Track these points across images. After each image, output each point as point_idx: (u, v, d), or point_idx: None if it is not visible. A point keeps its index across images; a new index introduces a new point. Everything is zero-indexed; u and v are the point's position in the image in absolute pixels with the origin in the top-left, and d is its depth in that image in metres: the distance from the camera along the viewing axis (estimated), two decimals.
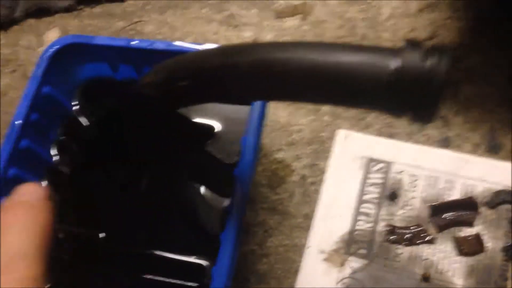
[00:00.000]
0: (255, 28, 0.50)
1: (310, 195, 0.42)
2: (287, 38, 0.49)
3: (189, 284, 0.33)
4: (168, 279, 0.34)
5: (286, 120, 0.45)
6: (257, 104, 0.34)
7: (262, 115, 0.34)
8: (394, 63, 0.20)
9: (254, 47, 0.24)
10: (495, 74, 0.44)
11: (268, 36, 0.50)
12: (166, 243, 0.35)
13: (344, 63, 0.21)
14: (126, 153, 0.40)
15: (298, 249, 0.40)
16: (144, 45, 0.38)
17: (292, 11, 0.50)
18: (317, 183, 0.43)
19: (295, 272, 0.39)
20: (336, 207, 0.41)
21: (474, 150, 0.42)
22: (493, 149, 0.41)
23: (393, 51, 0.20)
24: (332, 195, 0.41)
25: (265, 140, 0.45)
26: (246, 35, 0.50)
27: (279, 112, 0.46)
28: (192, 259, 0.34)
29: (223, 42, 0.50)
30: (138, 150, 0.39)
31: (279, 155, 0.44)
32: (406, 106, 0.21)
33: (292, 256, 0.41)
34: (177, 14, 0.53)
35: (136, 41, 0.38)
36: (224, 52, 0.24)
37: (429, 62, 0.20)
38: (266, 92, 0.24)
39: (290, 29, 0.49)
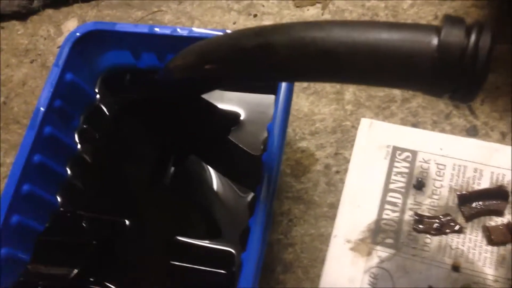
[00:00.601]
0: (275, 17, 0.50)
1: (335, 184, 0.42)
2: None
3: (218, 271, 0.32)
4: (196, 266, 0.33)
5: (309, 109, 0.45)
6: (283, 90, 0.33)
7: (288, 101, 0.34)
8: (436, 39, 0.19)
9: (290, 26, 0.23)
10: None
11: None
12: (194, 230, 0.35)
13: (384, 40, 0.20)
14: (150, 142, 0.40)
15: (324, 239, 0.40)
16: (166, 31, 0.37)
17: (312, 0, 0.50)
18: (342, 172, 0.42)
19: (321, 261, 0.39)
20: (361, 196, 0.40)
21: (502, 138, 0.41)
22: None
23: (434, 27, 0.20)
24: (357, 184, 0.40)
25: (288, 130, 0.44)
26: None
27: (301, 102, 0.45)
28: (220, 246, 0.33)
29: None
30: (165, 138, 0.39)
31: (303, 144, 0.44)
32: (450, 84, 0.21)
33: (318, 245, 0.40)
34: (195, 3, 0.52)
35: (158, 28, 0.37)
36: (258, 32, 0.24)
37: (473, 38, 0.19)
38: (303, 72, 0.23)
39: (311, 18, 0.49)
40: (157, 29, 0.38)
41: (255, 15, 0.50)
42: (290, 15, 0.50)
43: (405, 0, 0.48)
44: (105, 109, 0.41)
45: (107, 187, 0.38)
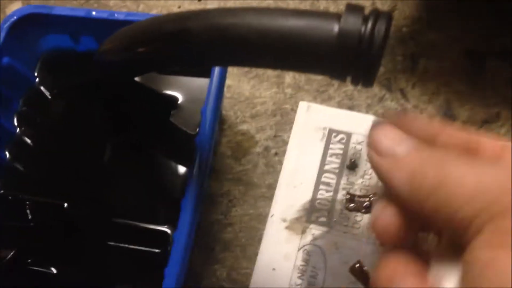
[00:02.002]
0: (219, 2, 0.50)
1: (274, 166, 0.43)
2: None
3: (153, 250, 0.34)
4: (132, 245, 0.34)
5: (250, 92, 0.46)
6: (216, 74, 0.34)
7: (220, 85, 0.35)
8: (337, 27, 0.21)
9: (207, 12, 0.24)
10: (452, 48, 0.45)
11: None
12: (130, 211, 0.36)
13: (291, 27, 0.21)
14: (90, 124, 0.40)
15: (262, 218, 0.41)
16: (104, 15, 0.37)
17: None
18: (280, 154, 0.43)
19: (258, 240, 0.41)
20: (298, 177, 0.42)
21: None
22: (448, 120, 0.43)
23: (336, 15, 0.21)
24: (294, 166, 0.42)
25: (229, 113, 0.45)
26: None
27: (243, 85, 0.46)
28: (155, 226, 0.34)
29: None
30: (102, 120, 0.39)
31: (243, 127, 0.45)
32: (350, 68, 0.22)
33: (256, 224, 0.41)
34: None
35: (95, 11, 0.37)
36: (178, 17, 0.25)
37: (369, 25, 0.20)
38: (218, 57, 0.24)
39: (254, 3, 0.50)
40: (94, 13, 0.38)
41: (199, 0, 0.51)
42: None
43: None
44: (45, 92, 0.41)
45: (47, 170, 0.38)
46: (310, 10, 0.22)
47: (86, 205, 0.36)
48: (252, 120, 0.45)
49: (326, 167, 0.42)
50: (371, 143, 0.22)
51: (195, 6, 0.51)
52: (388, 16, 0.21)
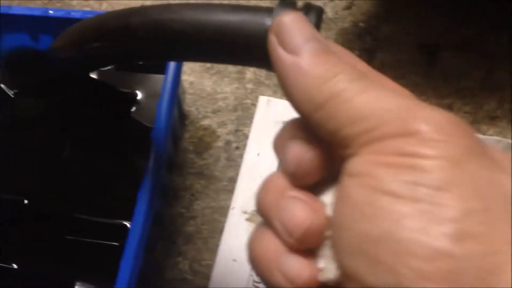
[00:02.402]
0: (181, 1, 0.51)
1: (235, 159, 0.44)
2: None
3: (111, 243, 0.34)
4: (92, 239, 0.35)
5: (212, 88, 0.47)
6: (170, 69, 0.35)
7: (175, 80, 0.35)
8: (269, 20, 0.21)
9: (146, 8, 0.25)
10: (407, 41, 0.46)
11: None
12: (90, 205, 0.36)
13: (225, 21, 0.22)
14: (49, 122, 0.41)
15: (224, 211, 0.42)
16: (60, 14, 0.38)
17: None
18: (241, 147, 0.44)
19: (220, 232, 0.41)
20: (258, 170, 0.43)
21: None
22: None
23: (268, 9, 0.22)
24: (254, 159, 0.43)
25: (191, 108, 0.46)
26: None
27: (205, 81, 0.47)
28: (114, 220, 0.35)
29: None
30: (61, 117, 0.40)
31: (205, 122, 0.46)
32: None
33: (218, 217, 0.42)
34: None
35: (52, 10, 0.38)
36: (121, 14, 0.25)
37: None
38: (159, 51, 0.25)
39: (215, 1, 0.50)
40: (51, 12, 0.39)
41: None
42: None
43: None
44: (6, 90, 0.41)
45: (7, 167, 0.39)
46: (246, 6, 0.23)
47: (46, 201, 0.37)
48: (213, 116, 0.46)
49: None
50: (279, 32, 0.20)
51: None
52: (318, 10, 0.22)
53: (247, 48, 0.22)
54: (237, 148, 0.45)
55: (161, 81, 0.40)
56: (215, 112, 0.46)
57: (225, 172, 0.44)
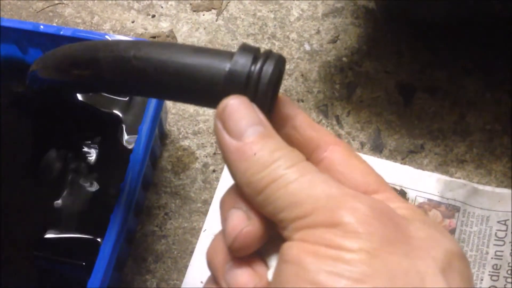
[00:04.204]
0: (172, 19, 0.52)
1: (211, 182, 0.45)
2: (201, 31, 0.51)
3: (79, 262, 0.35)
4: (62, 258, 0.35)
5: (194, 110, 0.48)
6: None
7: (158, 106, 0.37)
8: (228, 66, 0.22)
9: (115, 43, 0.25)
10: (386, 80, 0.48)
11: (183, 28, 0.52)
12: (63, 224, 0.37)
13: (186, 63, 0.22)
14: (32, 137, 0.41)
15: (195, 232, 0.43)
16: (51, 30, 0.39)
17: (208, 6, 0.52)
18: (218, 171, 0.45)
19: (190, 253, 0.42)
20: None
21: (361, 148, 0.46)
22: (377, 148, 0.46)
23: (229, 54, 0.23)
24: (230, 183, 0.44)
25: (173, 128, 0.47)
26: (163, 26, 0.52)
27: None
28: (86, 238, 0.36)
29: (140, 30, 0.52)
30: (45, 133, 0.41)
31: (185, 143, 0.47)
32: None
33: (189, 238, 0.43)
34: None
35: (43, 26, 0.39)
36: (91, 47, 0.26)
37: (258, 66, 0.22)
38: (122, 86, 0.25)
39: (205, 23, 0.52)
40: (41, 27, 0.39)
41: (153, 16, 0.53)
42: (186, 18, 0.52)
43: (292, 13, 0.52)
44: None
45: None
46: (208, 48, 0.24)
47: (18, 216, 0.37)
48: (194, 137, 0.47)
49: None
50: (223, 118, 0.21)
51: (148, 22, 0.52)
52: (277, 58, 0.22)
53: (206, 91, 0.22)
54: (214, 171, 0.46)
55: (145, 102, 0.41)
56: (195, 133, 0.47)
57: (200, 193, 0.45)
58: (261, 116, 0.21)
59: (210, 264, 0.22)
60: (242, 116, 0.21)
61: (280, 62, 0.23)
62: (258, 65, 0.22)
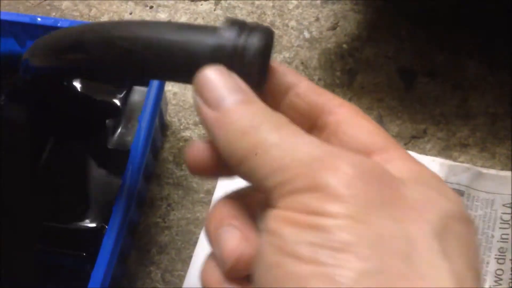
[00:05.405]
0: (170, 10, 0.52)
1: None
2: (199, 21, 0.51)
3: (83, 252, 0.35)
4: (64, 248, 0.35)
5: None
6: (154, 84, 0.36)
7: (158, 95, 0.36)
8: (214, 40, 0.22)
9: (101, 25, 0.25)
10: (387, 66, 0.48)
11: (182, 19, 0.51)
12: (66, 214, 0.37)
13: (171, 39, 0.22)
14: (31, 128, 0.41)
15: (199, 222, 0.43)
16: (48, 22, 0.39)
17: None
18: None
19: (194, 243, 0.42)
20: (234, 184, 0.43)
21: None
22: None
23: (214, 29, 0.22)
24: None
25: (173, 119, 0.47)
26: (161, 17, 0.52)
27: (188, 93, 0.48)
28: (87, 229, 0.36)
29: None
30: (44, 124, 0.40)
31: (186, 134, 0.47)
32: None
33: (193, 228, 0.43)
34: None
35: (40, 18, 0.39)
36: (78, 30, 0.25)
37: (242, 39, 0.21)
38: (110, 68, 0.25)
39: (203, 13, 0.51)
40: (39, 19, 0.39)
41: (151, 7, 0.52)
42: (184, 9, 0.52)
43: (291, 1, 0.51)
44: None
45: None
46: (194, 24, 0.23)
47: (20, 207, 0.37)
48: (195, 127, 0.47)
49: None
50: (200, 90, 0.20)
51: (146, 13, 0.52)
52: (263, 28, 0.22)
53: (193, 67, 0.22)
54: None
55: (145, 93, 0.41)
56: (196, 124, 0.47)
57: (202, 184, 0.45)
58: (241, 83, 0.20)
59: (206, 233, 0.21)
60: (219, 85, 0.20)
61: (266, 32, 0.22)
62: (244, 37, 0.21)
